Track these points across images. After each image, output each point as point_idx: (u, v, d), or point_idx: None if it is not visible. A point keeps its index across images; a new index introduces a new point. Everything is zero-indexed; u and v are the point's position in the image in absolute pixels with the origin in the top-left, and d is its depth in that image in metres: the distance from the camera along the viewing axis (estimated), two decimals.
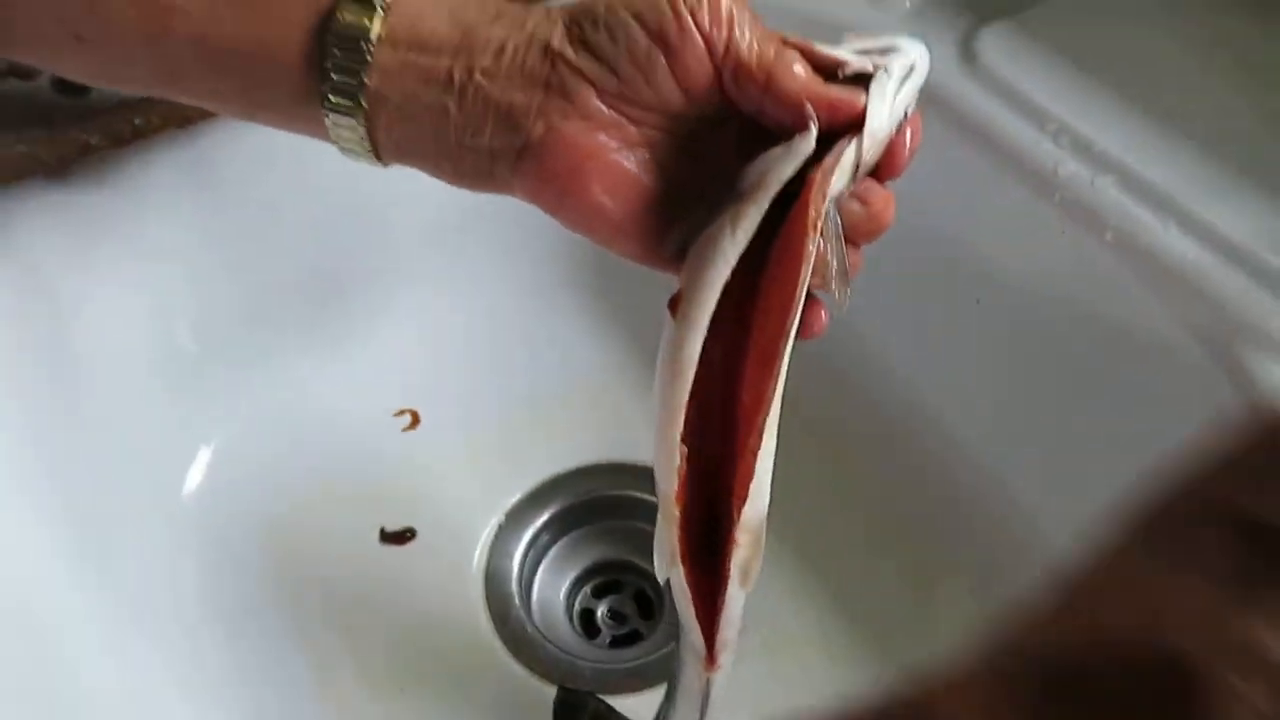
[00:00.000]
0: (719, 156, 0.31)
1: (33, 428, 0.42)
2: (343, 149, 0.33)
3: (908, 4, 0.51)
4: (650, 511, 0.52)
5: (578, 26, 0.30)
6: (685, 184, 0.31)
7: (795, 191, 0.29)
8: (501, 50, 0.30)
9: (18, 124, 0.41)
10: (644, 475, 0.54)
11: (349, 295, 0.56)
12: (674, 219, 0.31)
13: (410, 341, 0.57)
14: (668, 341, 0.30)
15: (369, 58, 0.30)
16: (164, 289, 0.49)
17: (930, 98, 0.48)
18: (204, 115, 0.45)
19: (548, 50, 0.30)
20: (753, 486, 0.29)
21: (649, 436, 0.54)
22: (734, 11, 0.29)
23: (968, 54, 0.48)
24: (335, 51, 0.30)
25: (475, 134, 0.30)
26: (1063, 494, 0.43)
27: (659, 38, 0.29)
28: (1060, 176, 0.43)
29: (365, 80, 0.30)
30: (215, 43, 0.31)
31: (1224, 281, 0.39)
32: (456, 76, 0.30)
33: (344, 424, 0.55)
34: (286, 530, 0.51)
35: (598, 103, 0.30)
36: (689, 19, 0.29)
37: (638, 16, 0.29)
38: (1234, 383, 0.38)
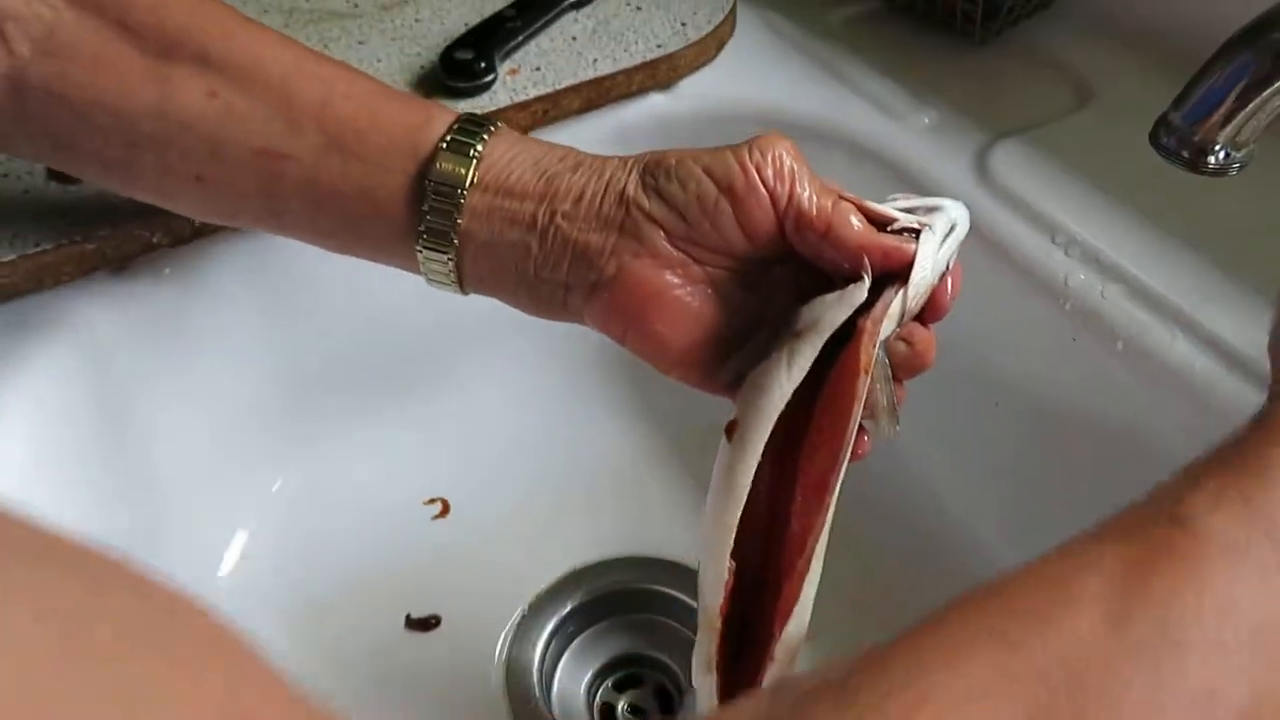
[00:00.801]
0: (773, 293, 0.35)
1: (82, 504, 0.44)
2: (430, 280, 0.37)
3: (926, 120, 0.54)
4: (673, 605, 0.54)
5: (651, 176, 0.34)
6: (742, 318, 0.35)
7: (847, 331, 0.31)
8: (580, 197, 0.34)
9: (85, 223, 0.44)
10: (668, 569, 0.56)
11: (387, 386, 0.59)
12: (731, 350, 0.34)
13: (444, 431, 0.59)
14: (722, 464, 0.32)
15: (462, 201, 0.34)
16: (213, 376, 0.51)
17: None
18: None
19: (623, 197, 0.34)
20: (797, 607, 0.31)
21: (675, 530, 0.56)
22: (795, 168, 0.33)
23: (982, 168, 0.51)
24: (433, 196, 0.34)
25: (554, 269, 0.34)
26: None
27: (727, 189, 0.32)
28: (1070, 286, 0.45)
29: (458, 220, 0.34)
30: (323, 187, 0.35)
31: (1228, 389, 0.40)
32: (540, 220, 0.34)
33: (377, 511, 0.57)
34: (315, 615, 0.53)
35: (666, 244, 0.33)
36: (755, 174, 0.32)
37: (708, 170, 0.33)
38: None
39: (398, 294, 0.54)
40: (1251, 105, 0.25)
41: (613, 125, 0.56)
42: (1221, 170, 0.26)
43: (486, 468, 0.59)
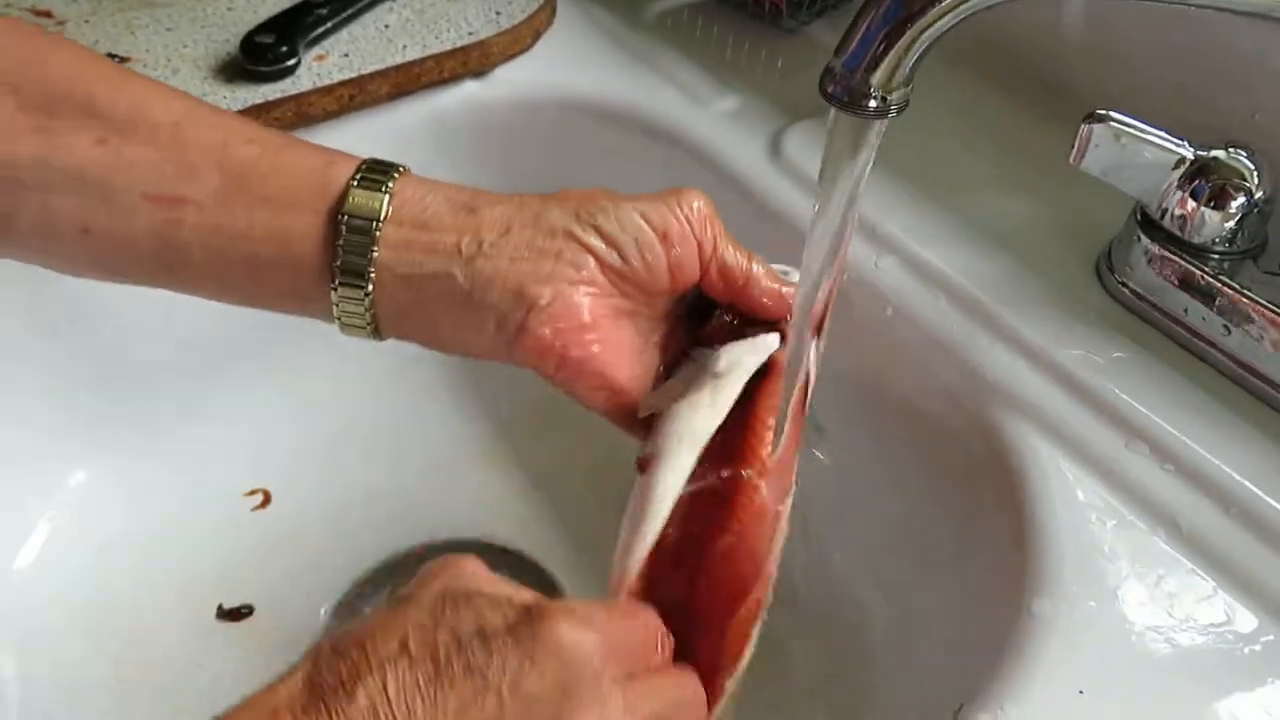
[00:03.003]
0: (673, 332, 0.37)
1: None
2: (344, 325, 0.35)
3: (729, 106, 0.55)
4: None
5: (589, 214, 0.35)
6: (654, 355, 0.37)
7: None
8: (508, 229, 0.34)
9: None
10: (490, 554, 0.56)
11: (212, 377, 0.58)
12: (647, 387, 0.36)
13: (270, 422, 0.58)
14: (639, 495, 0.33)
15: (378, 234, 0.33)
16: (14, 360, 0.50)
17: (741, 189, 0.52)
18: None
19: (558, 229, 0.34)
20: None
21: (497, 517, 0.56)
22: (719, 225, 0.36)
23: (776, 150, 0.52)
24: (346, 231, 0.33)
25: (482, 297, 0.34)
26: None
27: (663, 235, 0.35)
28: (848, 258, 0.46)
29: (374, 254, 0.33)
30: (226, 231, 0.34)
31: (983, 345, 0.42)
32: (464, 249, 0.34)
33: (196, 504, 0.56)
34: (121, 607, 0.51)
35: (602, 276, 0.34)
36: (687, 224, 0.35)
37: (645, 215, 0.35)
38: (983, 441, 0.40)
39: None
40: (898, 46, 0.26)
41: (428, 111, 0.56)
42: (883, 112, 0.27)
43: (311, 458, 0.58)
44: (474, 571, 0.29)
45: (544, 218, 0.34)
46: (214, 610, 0.52)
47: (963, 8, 0.26)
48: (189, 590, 0.53)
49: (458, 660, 0.25)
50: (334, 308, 0.34)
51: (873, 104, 0.27)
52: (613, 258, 0.34)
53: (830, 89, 0.27)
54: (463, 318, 0.34)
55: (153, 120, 0.33)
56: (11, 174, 0.33)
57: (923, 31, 0.26)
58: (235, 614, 0.52)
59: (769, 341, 0.36)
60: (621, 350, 0.35)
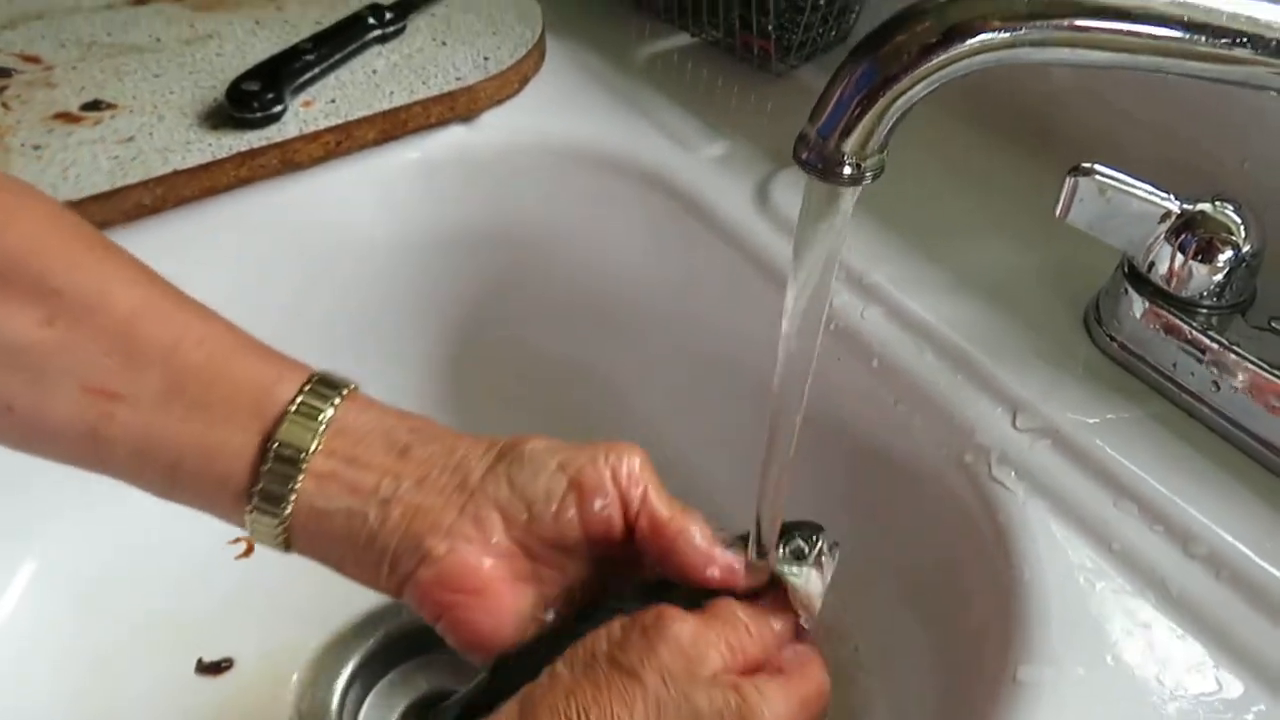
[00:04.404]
0: (593, 593, 0.35)
1: None
2: (255, 535, 0.35)
3: (716, 151, 0.55)
4: None
5: (503, 461, 0.34)
6: (547, 602, 0.35)
7: None
8: (426, 475, 0.34)
9: None
10: None
11: None
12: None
13: None
14: None
15: (304, 468, 0.33)
16: None
17: (728, 236, 0.52)
18: None
19: (469, 480, 0.33)
20: None
21: None
22: (647, 475, 0.34)
23: (763, 197, 0.52)
24: (274, 460, 0.33)
25: (384, 540, 0.33)
26: None
27: (575, 484, 0.33)
28: (834, 307, 0.46)
29: (295, 486, 0.33)
30: (156, 435, 0.33)
31: (980, 408, 0.41)
32: (381, 490, 0.33)
33: (178, 550, 0.55)
34: (102, 657, 0.51)
35: (502, 533, 0.33)
36: (608, 475, 0.33)
37: (561, 464, 0.33)
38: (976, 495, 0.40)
39: None
40: (871, 113, 0.26)
41: (415, 156, 0.56)
42: (856, 179, 0.27)
43: None
44: (693, 641, 0.31)
45: (463, 466, 0.34)
46: (194, 664, 0.52)
47: (936, 75, 0.25)
48: (168, 643, 0.52)
49: None
50: (246, 524, 0.34)
51: (847, 171, 0.27)
52: (519, 514, 0.33)
53: (804, 155, 0.27)
54: (363, 555, 0.34)
55: (107, 308, 0.33)
56: None
57: (897, 98, 0.26)
58: (215, 668, 0.52)
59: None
60: (506, 617, 0.34)
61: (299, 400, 0.33)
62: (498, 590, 0.33)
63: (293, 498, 0.33)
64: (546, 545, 0.34)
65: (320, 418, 0.33)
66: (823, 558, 0.34)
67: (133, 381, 0.32)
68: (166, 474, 0.34)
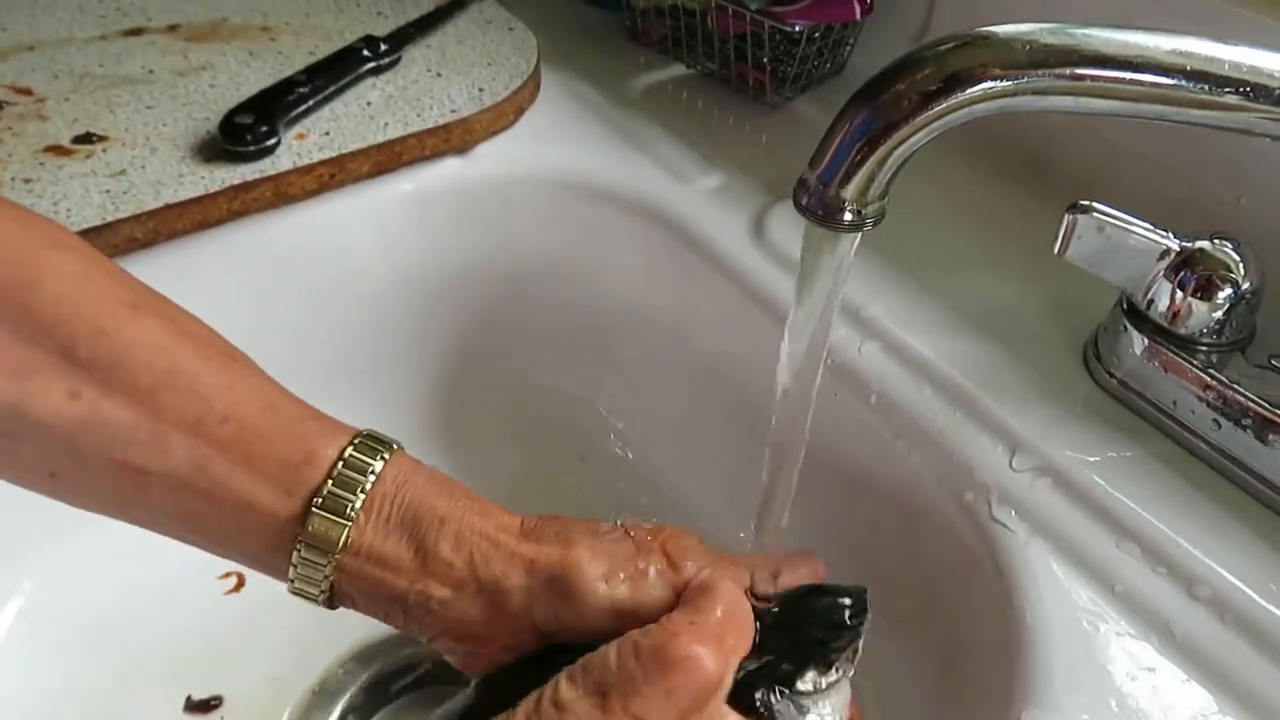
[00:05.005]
0: None
1: None
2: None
3: (712, 184, 0.55)
4: None
5: (551, 591, 0.32)
6: None
7: None
8: (460, 587, 0.33)
9: None
10: None
11: None
12: None
13: None
14: None
15: (334, 562, 0.33)
16: None
17: (723, 268, 0.52)
18: None
19: (504, 605, 0.32)
20: None
21: None
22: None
23: (759, 229, 0.52)
24: (303, 552, 0.33)
25: (419, 630, 0.34)
26: None
27: (628, 626, 0.31)
28: (831, 341, 0.46)
29: (328, 576, 0.33)
30: (188, 512, 0.33)
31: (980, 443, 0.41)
32: (411, 598, 0.33)
33: (167, 586, 0.54)
34: (89, 695, 0.50)
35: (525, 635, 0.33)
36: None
37: (616, 608, 0.32)
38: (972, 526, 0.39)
39: None
40: (872, 160, 0.25)
41: (410, 188, 0.56)
42: (857, 225, 0.26)
43: None
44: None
45: (500, 587, 0.33)
46: (183, 702, 0.51)
47: (937, 123, 0.25)
48: (157, 680, 0.51)
49: None
50: (290, 576, 0.34)
51: (847, 217, 0.26)
52: (555, 628, 0.33)
53: (804, 201, 0.27)
54: (401, 620, 0.34)
55: (130, 380, 0.32)
56: None
57: (897, 146, 0.26)
58: (204, 706, 0.51)
59: None
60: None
61: (327, 490, 0.33)
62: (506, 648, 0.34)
63: (326, 584, 0.33)
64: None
65: (348, 510, 0.32)
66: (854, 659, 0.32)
67: (159, 459, 0.32)
68: (207, 545, 0.34)
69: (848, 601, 0.32)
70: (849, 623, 0.31)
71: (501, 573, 0.33)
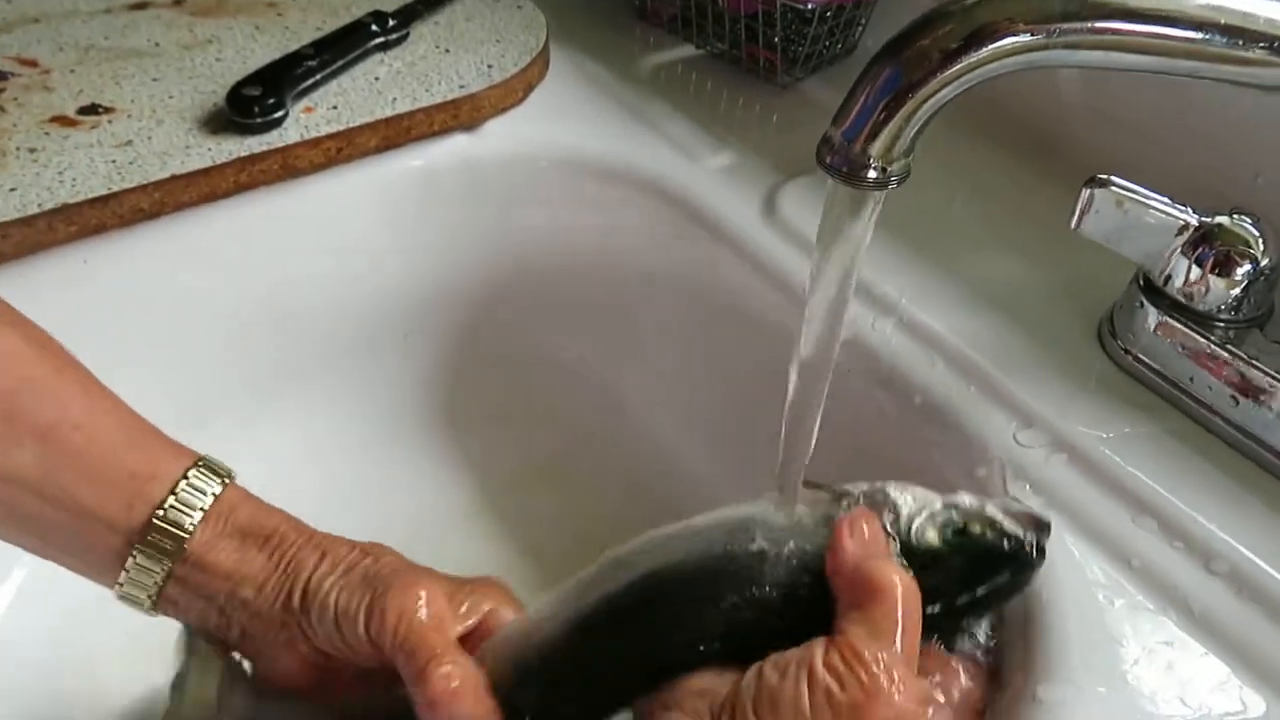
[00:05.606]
0: None
1: None
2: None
3: (723, 162, 0.55)
4: None
5: (306, 613, 0.36)
6: None
7: None
8: (257, 610, 0.36)
9: None
10: None
11: (189, 431, 0.56)
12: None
13: (247, 480, 0.57)
14: None
15: (165, 570, 0.35)
16: None
17: (735, 246, 0.51)
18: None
19: (291, 612, 0.36)
20: None
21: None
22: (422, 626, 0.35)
23: (770, 207, 0.51)
24: (136, 562, 0.35)
25: (228, 628, 0.37)
26: None
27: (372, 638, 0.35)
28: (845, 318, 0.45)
29: (158, 583, 0.36)
30: (29, 514, 0.34)
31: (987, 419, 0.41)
32: (223, 598, 0.36)
33: None
34: (87, 672, 0.49)
35: (312, 653, 0.36)
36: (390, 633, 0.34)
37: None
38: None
39: (213, 326, 0.53)
40: (898, 117, 0.25)
41: (417, 164, 0.55)
42: (882, 183, 0.26)
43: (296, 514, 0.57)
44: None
45: (299, 580, 0.36)
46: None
47: (965, 78, 0.25)
48: (160, 653, 0.51)
49: None
50: (116, 592, 0.37)
51: (872, 175, 0.26)
52: (331, 646, 0.36)
53: (828, 159, 0.26)
54: (218, 622, 0.37)
55: None
56: None
57: (924, 101, 0.25)
58: None
59: None
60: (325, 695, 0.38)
61: (170, 501, 0.35)
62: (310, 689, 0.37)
63: (153, 595, 0.36)
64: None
65: (187, 524, 0.35)
66: None
67: (7, 458, 0.33)
68: (37, 546, 0.36)
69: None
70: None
71: (308, 572, 0.36)
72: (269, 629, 0.36)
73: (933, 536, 0.33)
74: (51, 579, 0.52)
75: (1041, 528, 0.33)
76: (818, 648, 0.30)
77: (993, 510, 0.34)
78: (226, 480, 0.37)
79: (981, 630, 0.34)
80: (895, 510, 0.33)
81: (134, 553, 0.35)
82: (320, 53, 0.55)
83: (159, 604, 0.37)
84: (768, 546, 0.32)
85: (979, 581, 0.33)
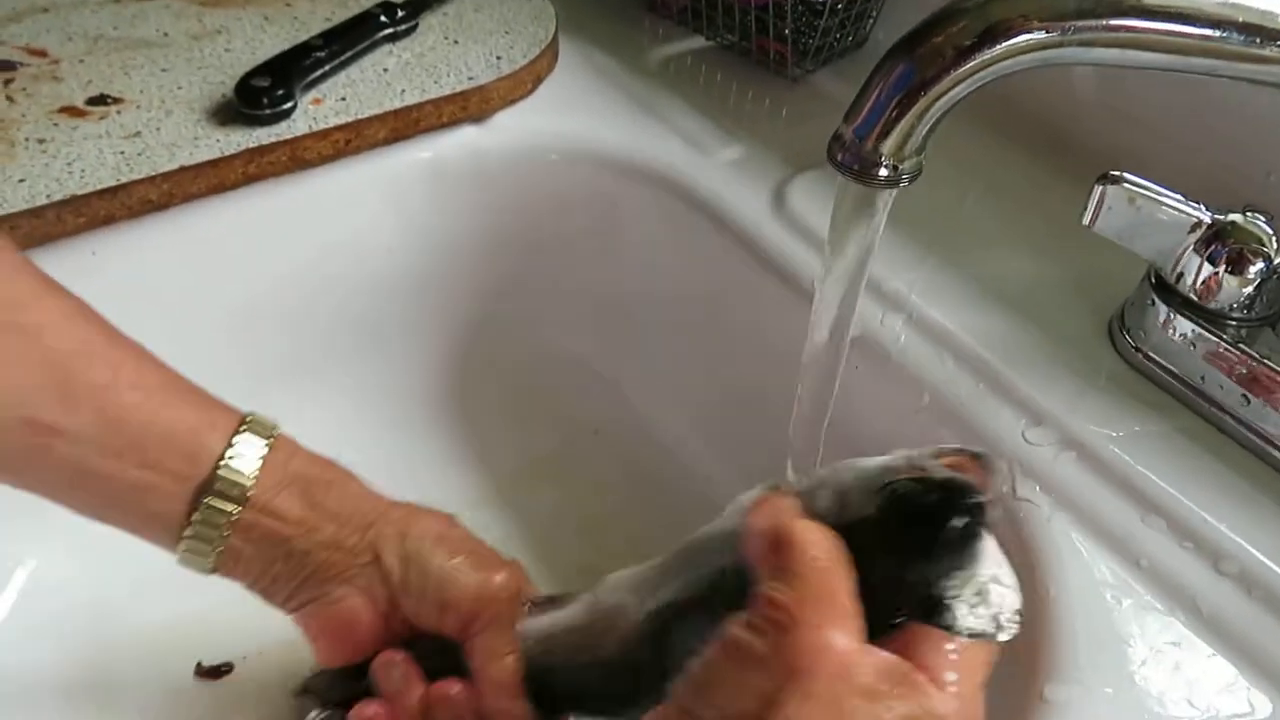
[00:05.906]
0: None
1: None
2: (181, 564, 0.38)
3: (732, 155, 0.54)
4: None
5: (409, 566, 0.37)
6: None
7: None
8: (337, 543, 0.37)
9: None
10: None
11: None
12: None
13: None
14: None
15: (233, 520, 0.36)
16: None
17: (744, 239, 0.51)
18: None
19: (379, 557, 0.37)
20: None
21: None
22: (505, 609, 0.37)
23: (779, 200, 0.51)
24: (204, 511, 0.36)
25: (291, 575, 0.38)
26: None
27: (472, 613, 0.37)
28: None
29: (225, 535, 0.36)
30: (91, 472, 0.35)
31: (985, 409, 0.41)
32: (296, 544, 0.37)
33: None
34: (100, 662, 0.50)
35: (386, 599, 0.38)
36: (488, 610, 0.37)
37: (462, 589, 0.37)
38: None
39: (224, 315, 0.53)
40: (910, 114, 0.25)
41: (426, 156, 0.55)
42: (893, 181, 0.26)
43: None
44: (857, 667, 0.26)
45: (375, 541, 0.38)
46: (193, 668, 0.51)
47: (979, 75, 0.25)
48: (167, 647, 0.51)
49: None
50: (178, 556, 0.37)
51: (883, 173, 0.26)
52: (407, 600, 0.37)
53: (840, 157, 0.26)
54: (271, 582, 0.38)
55: (44, 347, 0.34)
56: None
57: (937, 99, 0.25)
58: (215, 672, 0.51)
59: None
60: (366, 649, 0.39)
61: (228, 455, 0.36)
62: (365, 629, 0.38)
63: (220, 547, 0.36)
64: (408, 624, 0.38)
65: (249, 471, 0.36)
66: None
67: (68, 418, 0.34)
68: (100, 506, 0.36)
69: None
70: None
71: (378, 532, 0.38)
72: (349, 565, 0.37)
73: (865, 503, 0.29)
74: (53, 578, 0.52)
75: (980, 464, 0.29)
76: (735, 617, 0.28)
77: (921, 459, 0.30)
78: (275, 432, 0.38)
79: (982, 605, 0.29)
80: (831, 487, 0.30)
81: (201, 504, 0.35)
82: (329, 44, 0.55)
83: (223, 558, 0.37)
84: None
85: (922, 536, 0.28)
